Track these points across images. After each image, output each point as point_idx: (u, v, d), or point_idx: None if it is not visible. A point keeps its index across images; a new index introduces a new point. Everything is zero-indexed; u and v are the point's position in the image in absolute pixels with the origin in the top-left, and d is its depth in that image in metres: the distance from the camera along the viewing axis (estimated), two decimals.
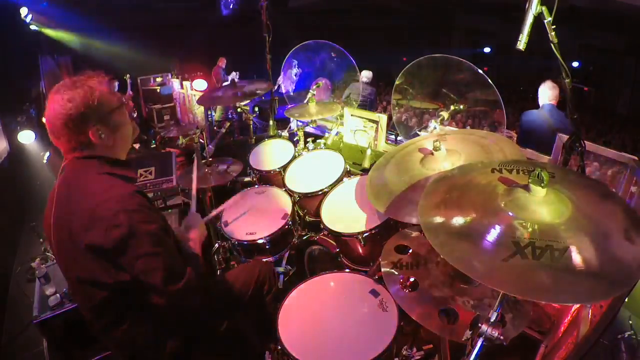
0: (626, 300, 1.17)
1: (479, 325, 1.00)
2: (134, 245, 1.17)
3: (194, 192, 1.86)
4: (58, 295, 2.01)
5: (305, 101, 2.94)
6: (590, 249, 0.89)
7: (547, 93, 3.37)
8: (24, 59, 5.31)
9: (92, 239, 1.16)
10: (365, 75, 5.08)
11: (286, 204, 2.24)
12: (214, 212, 1.95)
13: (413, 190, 1.54)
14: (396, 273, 1.47)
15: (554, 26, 1.29)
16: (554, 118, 3.29)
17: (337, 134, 2.89)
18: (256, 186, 2.51)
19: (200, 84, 6.50)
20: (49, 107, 1.21)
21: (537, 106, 3.53)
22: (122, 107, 1.31)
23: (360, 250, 1.89)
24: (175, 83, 6.90)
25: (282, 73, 4.11)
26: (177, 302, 1.25)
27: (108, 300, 1.24)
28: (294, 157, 2.59)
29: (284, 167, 2.51)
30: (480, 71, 2.57)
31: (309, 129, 3.11)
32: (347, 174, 2.35)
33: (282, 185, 2.42)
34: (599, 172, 1.89)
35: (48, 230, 1.29)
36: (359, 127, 2.83)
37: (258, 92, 2.56)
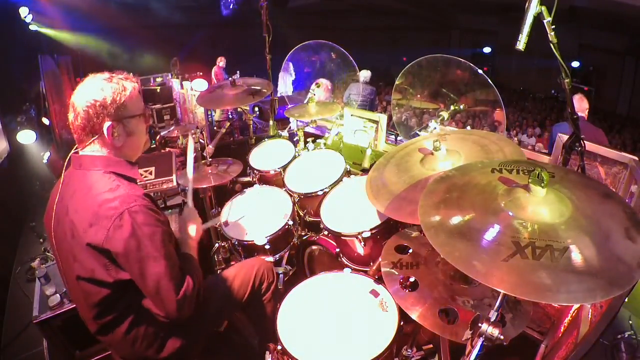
0: (626, 300, 1.17)
1: (479, 325, 1.00)
2: (135, 247, 1.16)
3: (190, 186, 1.79)
4: (58, 295, 2.01)
5: (305, 101, 2.94)
6: (590, 249, 0.89)
7: (575, 105, 3.47)
8: (24, 59, 5.30)
9: (94, 237, 1.16)
10: (364, 75, 5.09)
11: (286, 204, 2.24)
12: (211, 223, 1.98)
13: (413, 190, 1.54)
14: (396, 273, 1.47)
15: (554, 26, 1.29)
16: (583, 129, 3.37)
17: (337, 134, 2.89)
18: (256, 186, 2.51)
19: (200, 84, 6.50)
20: (79, 89, 1.23)
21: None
22: (143, 117, 1.33)
23: (360, 250, 1.89)
24: (175, 83, 6.90)
25: (282, 74, 4.12)
26: (173, 313, 1.23)
27: (107, 299, 1.24)
28: (294, 157, 2.59)
29: (284, 167, 2.51)
30: (480, 71, 2.57)
31: (309, 129, 3.11)
32: (347, 174, 2.34)
33: (282, 185, 2.42)
34: (599, 172, 1.89)
35: (49, 225, 1.29)
36: (359, 127, 2.83)
37: (263, 91, 2.56)
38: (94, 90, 1.21)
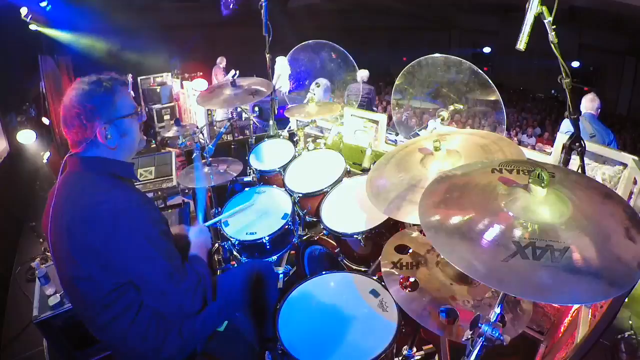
0: (626, 300, 1.17)
1: (479, 325, 1.00)
2: (133, 248, 1.16)
3: (207, 201, 1.80)
4: (58, 295, 2.01)
5: (305, 101, 2.94)
6: (591, 249, 0.89)
7: (587, 104, 3.56)
8: (24, 59, 5.30)
9: (91, 238, 1.15)
10: (362, 74, 5.10)
11: (286, 204, 2.24)
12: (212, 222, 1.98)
13: (413, 190, 1.54)
14: (396, 273, 1.47)
15: (554, 26, 1.29)
16: (593, 127, 3.43)
17: (337, 134, 2.89)
18: (256, 186, 2.51)
19: (200, 84, 6.50)
20: (68, 95, 1.23)
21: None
22: (135, 116, 1.32)
23: (360, 250, 1.89)
24: (175, 83, 6.90)
25: (282, 72, 4.12)
26: (178, 309, 1.24)
27: (106, 299, 1.24)
28: (294, 157, 2.59)
29: (284, 167, 2.51)
30: (480, 71, 2.57)
31: (309, 129, 3.11)
32: (347, 174, 2.34)
33: (282, 185, 2.42)
34: (599, 172, 1.89)
35: (46, 227, 1.29)
36: (359, 127, 2.83)
37: (263, 91, 2.56)
38: (83, 95, 1.21)
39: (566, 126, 3.68)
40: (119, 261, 1.17)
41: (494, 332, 0.98)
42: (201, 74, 8.17)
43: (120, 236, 1.14)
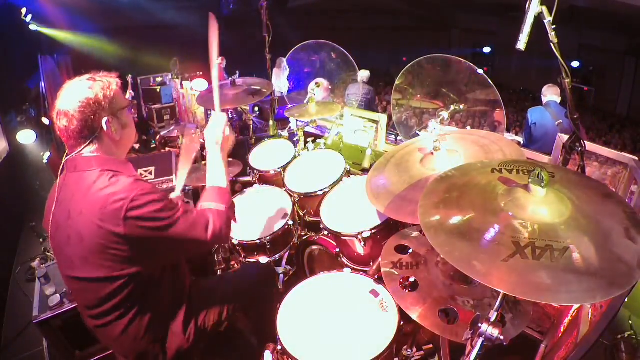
0: (626, 300, 1.17)
1: (479, 325, 1.00)
2: (152, 226, 1.19)
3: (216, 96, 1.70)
4: (58, 295, 2.01)
5: (305, 101, 2.94)
6: (590, 249, 0.89)
7: (547, 91, 3.57)
8: (24, 59, 5.30)
9: (109, 233, 1.15)
10: (363, 75, 5.10)
11: (286, 204, 2.24)
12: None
13: (413, 190, 1.54)
14: (396, 273, 1.47)
15: (554, 26, 1.29)
16: (558, 113, 3.43)
17: (337, 134, 2.89)
18: (256, 186, 2.51)
19: (200, 84, 6.50)
20: (65, 94, 1.22)
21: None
22: (129, 108, 1.36)
23: (360, 250, 1.89)
24: (176, 83, 6.89)
25: (281, 73, 4.13)
26: (209, 248, 1.29)
27: (110, 297, 1.24)
28: (294, 157, 2.59)
29: (284, 167, 2.51)
30: (480, 71, 2.58)
31: (309, 129, 3.11)
32: (347, 174, 2.34)
33: (282, 185, 2.42)
34: (599, 172, 1.89)
35: (47, 229, 1.29)
36: (359, 127, 2.83)
37: (263, 91, 2.57)
38: (83, 91, 1.21)
39: (533, 116, 3.65)
40: (143, 243, 1.20)
41: (493, 332, 0.98)
42: (201, 73, 8.16)
43: (140, 219, 1.17)
